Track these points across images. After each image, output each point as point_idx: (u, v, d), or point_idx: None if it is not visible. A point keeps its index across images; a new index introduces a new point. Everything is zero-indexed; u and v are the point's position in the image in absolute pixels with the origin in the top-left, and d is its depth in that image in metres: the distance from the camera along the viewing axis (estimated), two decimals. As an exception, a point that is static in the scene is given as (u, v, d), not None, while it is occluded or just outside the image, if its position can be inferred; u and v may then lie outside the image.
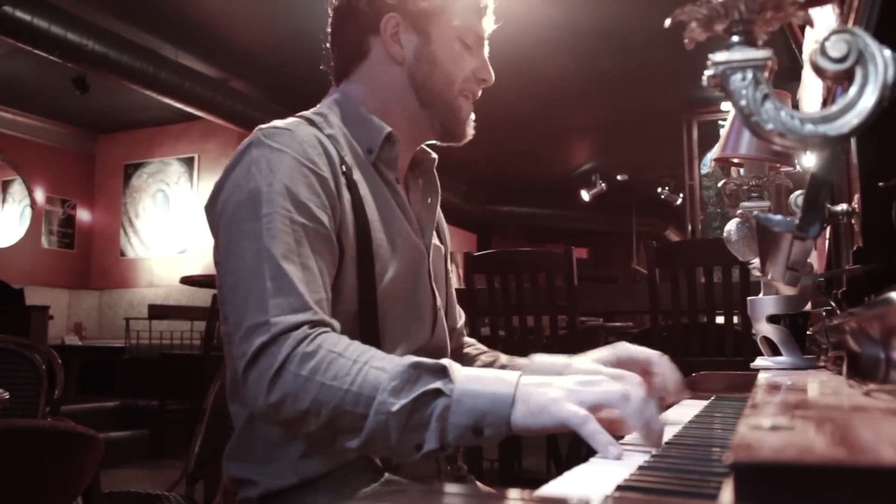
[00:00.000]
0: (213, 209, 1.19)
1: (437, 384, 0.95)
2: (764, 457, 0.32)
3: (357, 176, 1.24)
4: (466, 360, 1.49)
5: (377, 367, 0.98)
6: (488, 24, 1.36)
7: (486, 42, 1.37)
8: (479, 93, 1.37)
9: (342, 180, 1.20)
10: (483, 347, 1.55)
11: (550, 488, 0.54)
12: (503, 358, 1.49)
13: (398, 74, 1.31)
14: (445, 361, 0.97)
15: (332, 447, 1.05)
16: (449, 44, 1.30)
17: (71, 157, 8.95)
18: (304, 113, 1.31)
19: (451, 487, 0.32)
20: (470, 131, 1.36)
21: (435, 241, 1.41)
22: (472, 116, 1.36)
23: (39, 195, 8.50)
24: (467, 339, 1.56)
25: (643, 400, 0.88)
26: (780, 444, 0.36)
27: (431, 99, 1.31)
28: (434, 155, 1.43)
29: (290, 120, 1.23)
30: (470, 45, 1.32)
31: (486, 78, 1.35)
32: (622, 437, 0.90)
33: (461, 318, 1.56)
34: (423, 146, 1.41)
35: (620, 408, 0.88)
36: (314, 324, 1.04)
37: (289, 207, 1.10)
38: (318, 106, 1.34)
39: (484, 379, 0.96)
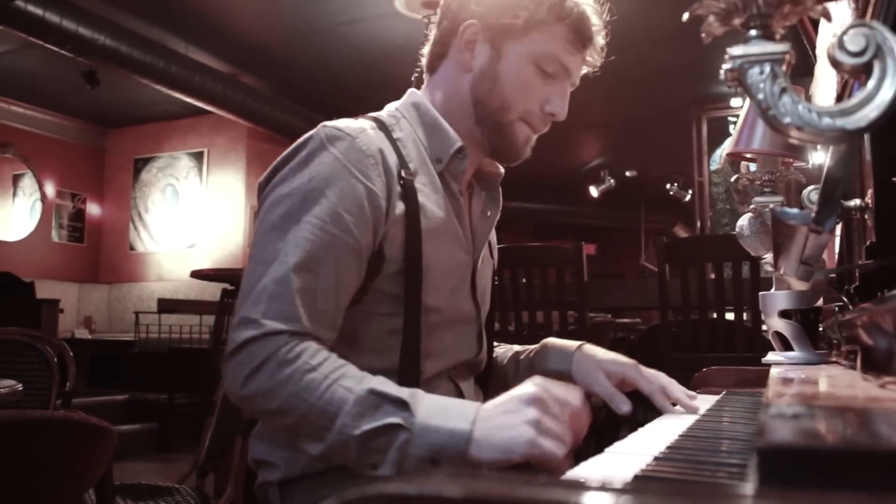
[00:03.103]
0: (263, 191, 1.20)
1: (398, 419, 0.98)
2: (788, 442, 0.33)
3: (420, 182, 1.24)
4: None
5: (344, 387, 1.02)
6: (586, 59, 1.31)
7: (576, 76, 1.31)
8: (547, 125, 1.32)
9: (397, 191, 1.20)
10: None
11: (572, 474, 0.55)
12: (515, 347, 1.53)
13: (464, 84, 1.29)
14: (407, 393, 1.00)
15: (295, 443, 1.09)
16: (519, 67, 1.26)
17: (81, 151, 8.97)
18: (379, 113, 1.31)
19: (476, 471, 0.33)
20: (525, 153, 1.32)
21: (485, 253, 1.41)
22: (532, 140, 1.32)
23: (49, 189, 8.53)
24: None
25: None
26: (803, 430, 0.37)
27: (484, 117, 1.28)
28: (501, 170, 1.41)
29: (356, 124, 1.22)
30: (550, 73, 1.27)
31: (554, 112, 1.29)
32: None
33: None
34: (488, 163, 1.40)
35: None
36: (298, 334, 1.07)
37: (325, 217, 1.12)
38: (397, 103, 1.34)
39: (444, 412, 0.98)
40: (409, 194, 1.21)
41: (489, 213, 1.40)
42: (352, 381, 1.03)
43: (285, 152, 1.21)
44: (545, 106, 1.28)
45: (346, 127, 1.19)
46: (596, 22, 1.29)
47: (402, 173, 1.21)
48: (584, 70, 1.33)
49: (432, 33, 1.35)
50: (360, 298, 1.18)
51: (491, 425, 0.94)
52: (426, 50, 1.36)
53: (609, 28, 1.32)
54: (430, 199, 1.24)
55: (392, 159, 1.21)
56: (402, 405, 0.99)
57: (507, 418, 0.94)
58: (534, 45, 1.25)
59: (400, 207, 1.19)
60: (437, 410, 0.98)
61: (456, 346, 1.30)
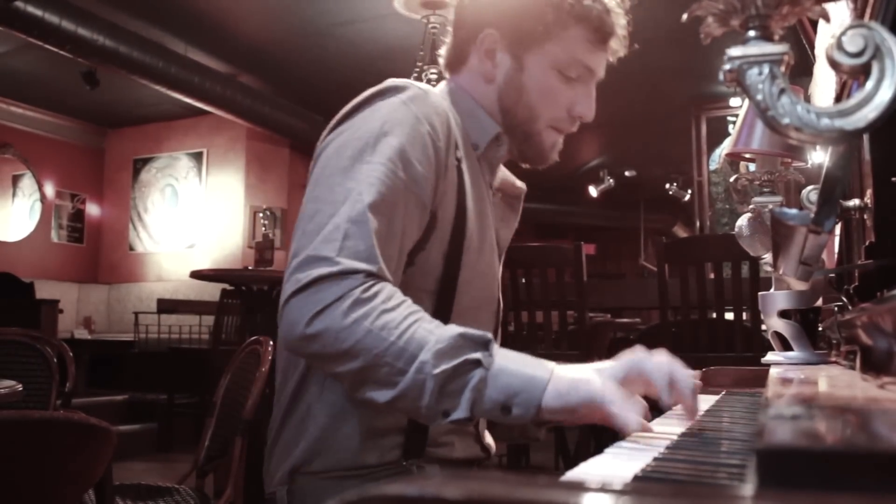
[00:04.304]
0: (324, 143, 1.17)
1: (479, 355, 0.97)
2: (787, 444, 0.33)
3: (464, 165, 1.23)
4: None
5: (426, 329, 0.99)
6: (609, 54, 1.29)
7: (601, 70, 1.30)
8: (575, 126, 1.31)
9: (453, 160, 1.20)
10: None
11: (572, 475, 0.55)
12: None
13: (489, 92, 1.28)
14: (490, 335, 1.00)
15: (354, 395, 1.04)
16: (542, 77, 1.25)
17: (80, 151, 8.96)
18: None
19: (476, 472, 0.33)
20: (552, 158, 1.33)
21: None
22: (560, 144, 1.32)
23: (49, 189, 8.52)
24: None
25: (672, 366, 0.95)
26: (801, 431, 0.37)
27: (513, 127, 1.29)
28: (522, 186, 1.43)
29: (424, 85, 1.22)
30: (574, 77, 1.25)
31: (583, 115, 1.28)
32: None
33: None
34: (509, 178, 1.42)
35: (648, 370, 0.96)
36: (375, 275, 1.02)
37: (396, 162, 1.09)
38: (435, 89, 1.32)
39: (522, 360, 0.99)
40: (459, 168, 1.22)
41: (507, 221, 1.42)
42: (432, 324, 1.00)
43: (352, 102, 1.19)
44: (572, 109, 1.28)
45: (415, 82, 1.19)
46: (618, 11, 1.27)
47: (457, 151, 1.22)
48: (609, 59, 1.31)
49: (448, 34, 1.34)
50: (405, 269, 1.16)
51: (569, 377, 0.96)
52: (443, 51, 1.36)
53: (631, 16, 1.29)
54: (471, 184, 1.24)
55: (455, 130, 1.21)
56: (484, 345, 0.98)
57: (584, 373, 0.97)
58: (554, 53, 1.24)
59: (454, 174, 1.19)
60: (516, 358, 1.00)
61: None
